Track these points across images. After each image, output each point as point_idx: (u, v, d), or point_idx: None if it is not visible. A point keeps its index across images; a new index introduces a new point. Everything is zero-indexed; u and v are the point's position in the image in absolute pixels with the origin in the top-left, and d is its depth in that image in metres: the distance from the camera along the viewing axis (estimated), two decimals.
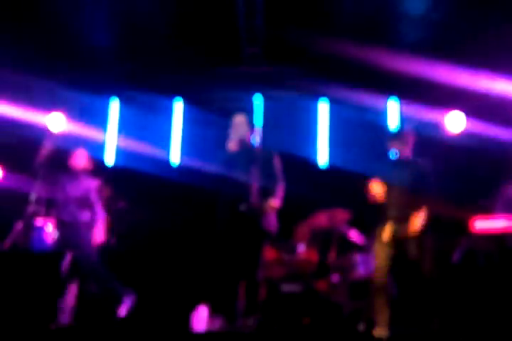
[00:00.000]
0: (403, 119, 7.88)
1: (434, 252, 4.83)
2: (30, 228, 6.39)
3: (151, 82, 7.97)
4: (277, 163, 5.16)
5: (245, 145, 5.11)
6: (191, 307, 5.21)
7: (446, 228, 5.65)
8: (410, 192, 4.85)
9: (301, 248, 6.24)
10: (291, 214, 6.14)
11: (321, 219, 6.28)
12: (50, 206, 6.35)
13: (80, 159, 5.87)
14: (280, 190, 5.05)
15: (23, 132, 7.45)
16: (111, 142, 8.23)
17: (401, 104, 7.98)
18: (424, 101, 7.48)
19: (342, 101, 7.83)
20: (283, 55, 7.63)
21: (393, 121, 7.94)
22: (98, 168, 6.22)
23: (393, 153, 5.04)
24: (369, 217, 5.13)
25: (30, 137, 7.31)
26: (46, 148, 6.15)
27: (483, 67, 6.89)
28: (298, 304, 5.79)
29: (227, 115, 5.31)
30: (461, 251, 5.66)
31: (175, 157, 8.11)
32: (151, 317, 6.01)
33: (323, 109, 8.16)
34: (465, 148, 7.18)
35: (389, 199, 4.90)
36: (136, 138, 7.92)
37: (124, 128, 8.21)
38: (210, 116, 7.63)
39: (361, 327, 5.39)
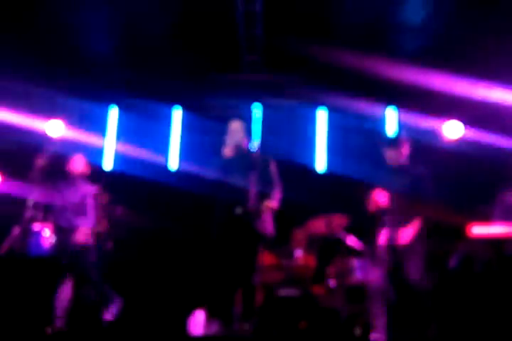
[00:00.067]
0: (401, 127, 7.92)
1: (428, 259, 4.83)
2: (27, 233, 6.40)
3: (150, 90, 8.00)
4: (274, 169, 5.18)
5: (241, 151, 5.13)
6: (188, 311, 5.21)
7: (444, 234, 5.67)
8: (407, 198, 4.86)
9: (299, 253, 6.25)
10: (289, 220, 6.17)
11: (319, 224, 6.28)
12: (47, 211, 6.36)
13: (78, 164, 5.86)
14: (277, 193, 5.07)
15: (22, 138, 7.47)
16: (110, 148, 8.25)
17: (399, 112, 8.02)
18: (422, 109, 7.52)
19: (340, 109, 7.87)
20: (282, 63, 7.67)
21: (391, 129, 7.97)
22: (97, 173, 6.23)
23: (389, 160, 5.06)
24: (366, 222, 5.14)
25: (29, 143, 7.35)
26: (45, 154, 6.18)
27: (481, 75, 6.94)
28: (295, 308, 5.78)
29: (226, 122, 5.33)
30: (458, 257, 5.66)
31: (173, 163, 8.14)
32: (148, 321, 6.00)
33: (321, 116, 8.20)
34: (463, 155, 7.21)
35: (386, 205, 4.92)
36: (134, 145, 7.94)
37: (122, 134, 8.24)
38: (209, 123, 7.65)
39: (357, 331, 5.38)
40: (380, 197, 4.87)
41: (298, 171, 7.55)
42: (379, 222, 4.95)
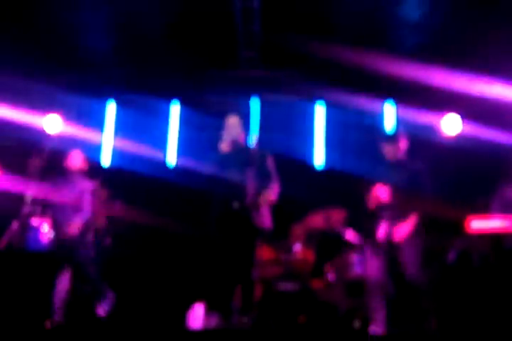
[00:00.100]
0: (399, 122, 7.93)
1: (426, 254, 4.84)
2: (26, 228, 6.41)
3: (148, 85, 7.99)
4: (271, 164, 5.18)
5: (238, 146, 5.11)
6: (188, 304, 5.22)
7: (442, 228, 5.68)
8: (405, 193, 4.88)
9: (298, 247, 6.26)
10: (288, 215, 6.18)
11: (317, 219, 6.31)
12: (45, 206, 6.36)
13: (75, 160, 5.85)
14: (275, 187, 5.07)
15: (20, 134, 7.47)
16: (107, 144, 8.24)
17: (397, 107, 8.03)
18: (420, 105, 7.53)
19: (338, 104, 7.88)
20: (280, 59, 7.67)
21: (389, 125, 7.98)
22: (95, 169, 6.23)
23: (387, 155, 5.07)
24: (365, 217, 5.15)
25: (27, 139, 7.35)
26: (43, 149, 6.18)
27: (479, 71, 6.95)
28: (294, 302, 5.80)
29: (223, 118, 5.33)
30: (456, 252, 5.68)
31: (171, 158, 8.14)
32: (147, 315, 6.01)
33: (319, 112, 8.20)
34: (461, 150, 7.22)
35: (387, 201, 4.94)
36: (132, 140, 7.94)
37: (121, 130, 8.23)
38: (207, 119, 7.64)
39: (356, 324, 5.40)
40: (381, 193, 4.89)
41: (296, 166, 7.55)
42: (378, 217, 4.97)
